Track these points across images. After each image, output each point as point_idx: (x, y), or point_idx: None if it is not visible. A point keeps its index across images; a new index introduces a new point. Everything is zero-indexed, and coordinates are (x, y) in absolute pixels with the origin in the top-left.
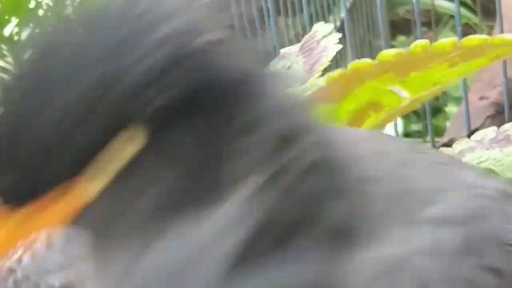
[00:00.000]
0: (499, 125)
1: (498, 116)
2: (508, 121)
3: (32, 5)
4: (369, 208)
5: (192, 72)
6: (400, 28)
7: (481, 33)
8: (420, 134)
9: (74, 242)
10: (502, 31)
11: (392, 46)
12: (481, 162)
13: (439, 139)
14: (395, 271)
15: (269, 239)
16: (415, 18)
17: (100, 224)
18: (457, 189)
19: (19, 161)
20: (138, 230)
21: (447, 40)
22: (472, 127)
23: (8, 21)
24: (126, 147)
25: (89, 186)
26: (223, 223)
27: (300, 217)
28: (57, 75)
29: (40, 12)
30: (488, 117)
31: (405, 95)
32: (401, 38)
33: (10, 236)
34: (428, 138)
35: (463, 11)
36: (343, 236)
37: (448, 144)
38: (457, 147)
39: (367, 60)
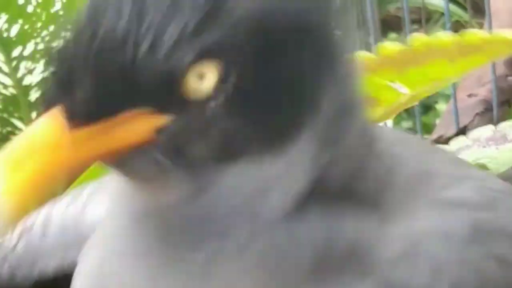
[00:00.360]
0: (487, 123)
1: (487, 114)
2: (497, 119)
3: (21, 1)
4: (397, 182)
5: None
6: (391, 25)
7: (472, 29)
8: (410, 132)
9: (69, 229)
10: (490, 29)
11: None
12: (478, 159)
13: (428, 136)
14: (413, 253)
15: (317, 193)
16: (405, 15)
17: (166, 154)
18: (471, 179)
19: (100, 76)
20: (205, 161)
21: (447, 35)
22: (461, 125)
23: None
24: (199, 82)
25: (159, 118)
26: (286, 167)
27: (346, 181)
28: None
29: (29, 8)
30: (477, 114)
31: (405, 91)
32: (392, 36)
33: (74, 153)
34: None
35: (454, 8)
36: (375, 204)
37: (438, 141)
38: (454, 144)
39: (366, 53)
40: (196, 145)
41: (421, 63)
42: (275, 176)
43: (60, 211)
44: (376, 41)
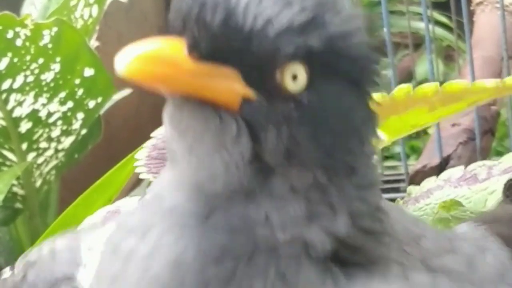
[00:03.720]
0: (471, 152)
1: (470, 143)
2: (480, 148)
3: (10, 35)
4: (396, 241)
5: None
6: (382, 50)
7: (461, 54)
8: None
9: (78, 252)
10: (471, 56)
11: None
12: (453, 198)
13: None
14: None
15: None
16: (387, 42)
17: (239, 130)
18: (459, 254)
19: (220, 28)
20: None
21: (429, 85)
22: (445, 154)
23: None
24: (291, 79)
25: (249, 90)
26: (336, 203)
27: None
28: None
29: (18, 42)
30: (460, 143)
31: (383, 138)
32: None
33: (187, 78)
34: (409, 161)
35: (444, 33)
36: (378, 260)
37: (422, 171)
38: (425, 185)
39: None
40: (267, 137)
41: (402, 112)
42: (322, 210)
43: (63, 241)
44: None
